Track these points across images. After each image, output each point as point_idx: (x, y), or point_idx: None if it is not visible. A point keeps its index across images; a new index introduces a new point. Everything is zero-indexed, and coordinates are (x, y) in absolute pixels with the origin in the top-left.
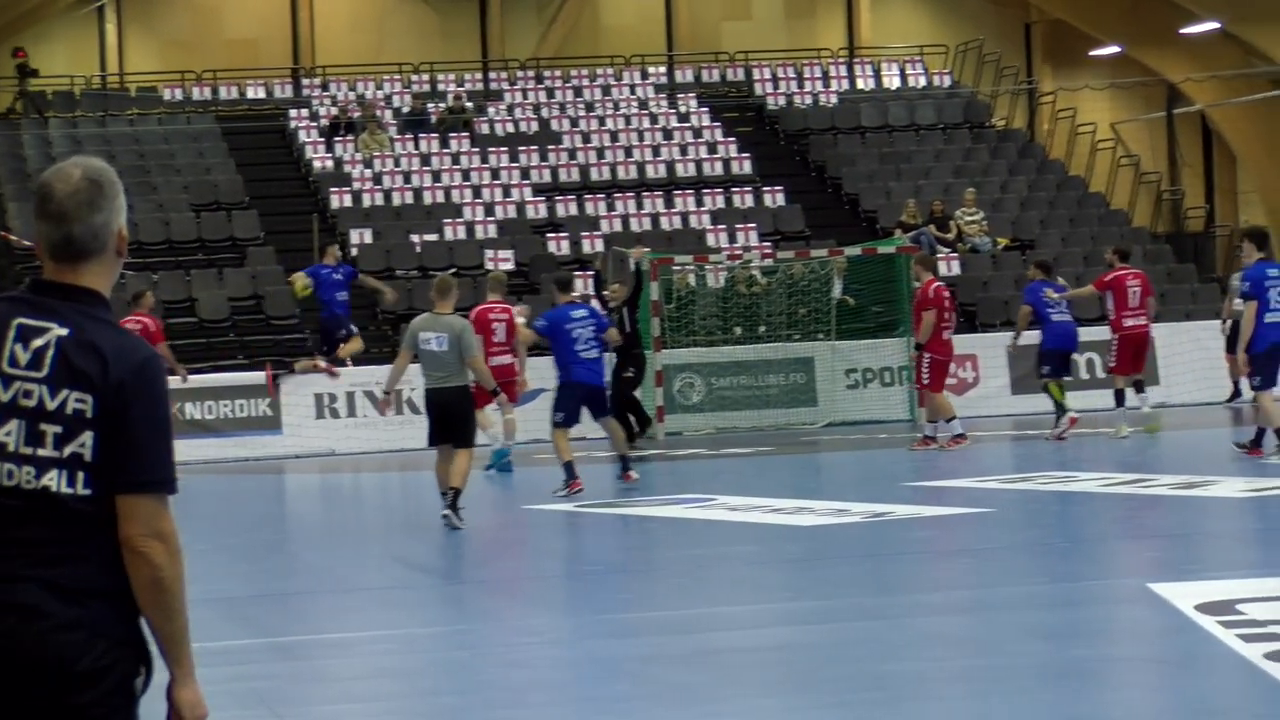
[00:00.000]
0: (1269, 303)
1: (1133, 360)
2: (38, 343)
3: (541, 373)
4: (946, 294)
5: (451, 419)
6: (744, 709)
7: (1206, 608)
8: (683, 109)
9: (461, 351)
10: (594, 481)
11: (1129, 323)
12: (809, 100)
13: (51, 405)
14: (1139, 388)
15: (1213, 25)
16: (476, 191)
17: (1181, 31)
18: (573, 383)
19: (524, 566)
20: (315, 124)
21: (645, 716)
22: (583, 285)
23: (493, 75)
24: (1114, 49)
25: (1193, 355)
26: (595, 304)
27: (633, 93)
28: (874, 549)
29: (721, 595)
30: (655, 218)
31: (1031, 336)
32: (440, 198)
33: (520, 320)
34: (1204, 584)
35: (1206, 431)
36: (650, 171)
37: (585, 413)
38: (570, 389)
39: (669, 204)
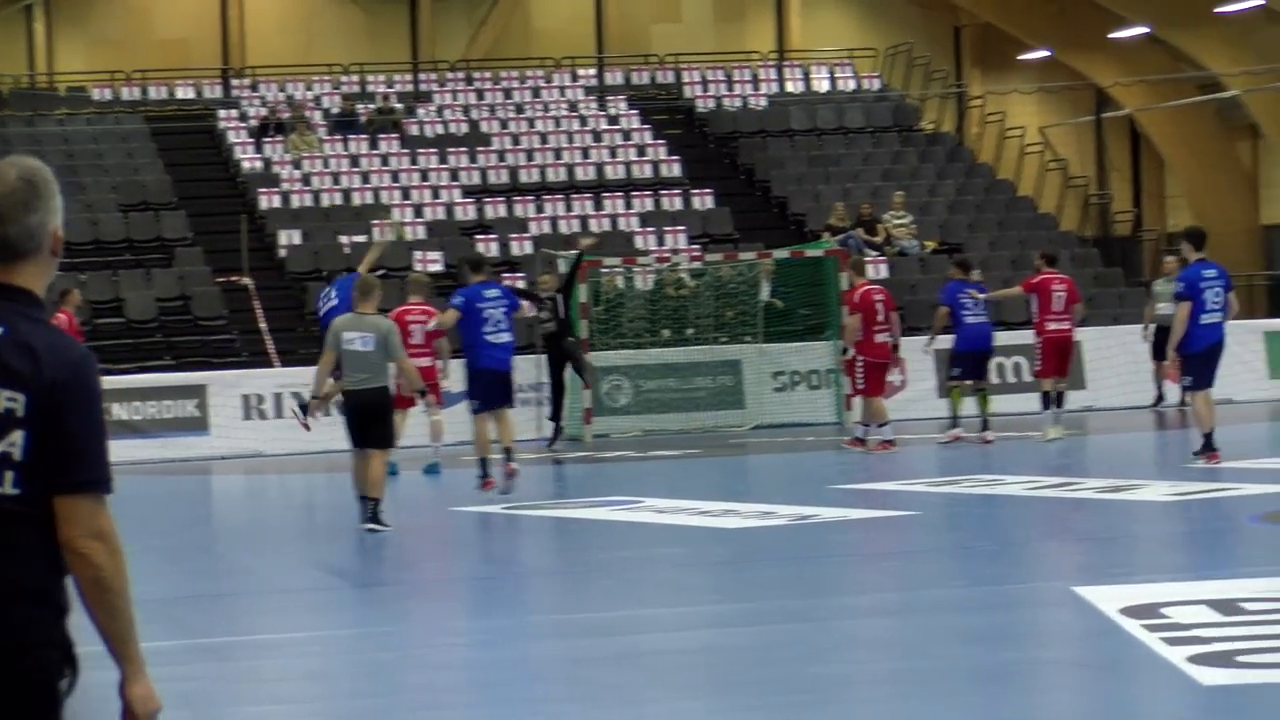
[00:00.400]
0: (1204, 304)
1: (1057, 364)
2: None
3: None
4: (879, 297)
5: (371, 420)
6: (669, 711)
7: (1131, 611)
8: (612, 111)
9: (389, 352)
10: (526, 482)
11: (1051, 326)
12: (738, 103)
13: None
14: (1059, 400)
15: (1141, 30)
16: (405, 193)
17: (1110, 36)
18: (480, 370)
19: (450, 569)
20: (244, 125)
21: (570, 718)
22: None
23: (422, 77)
24: (1043, 53)
25: (1119, 359)
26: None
27: (562, 95)
28: (800, 552)
29: (648, 597)
30: (584, 220)
31: (950, 338)
32: (369, 199)
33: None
34: (1129, 587)
35: (1132, 435)
36: (579, 174)
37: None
38: (477, 375)
39: (598, 206)
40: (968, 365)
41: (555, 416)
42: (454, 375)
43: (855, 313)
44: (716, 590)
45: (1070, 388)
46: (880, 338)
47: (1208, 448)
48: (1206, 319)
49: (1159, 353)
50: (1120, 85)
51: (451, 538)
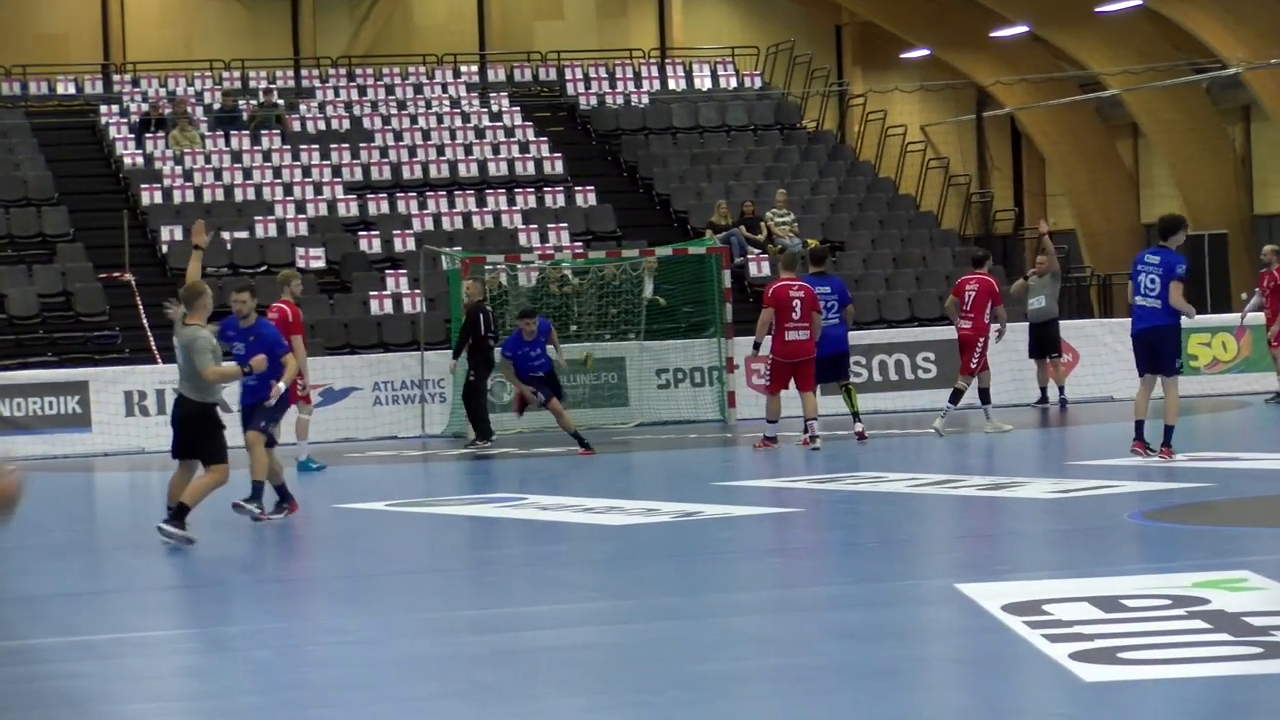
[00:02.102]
0: (1139, 287)
1: (964, 361)
2: None
3: (330, 373)
4: (798, 294)
5: (183, 432)
6: (549, 708)
7: (1013, 608)
8: (495, 108)
9: (195, 363)
10: (407, 481)
11: (962, 324)
12: (621, 100)
13: None
14: (955, 398)
15: (1021, 29)
16: (288, 189)
17: (991, 35)
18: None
19: (331, 565)
20: (126, 120)
21: (452, 715)
22: (394, 284)
23: (304, 73)
24: (923, 52)
25: (1001, 357)
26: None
27: (445, 91)
28: (683, 548)
29: (530, 594)
30: (467, 217)
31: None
32: (251, 195)
33: None
34: (1011, 584)
35: (1013, 434)
36: (462, 170)
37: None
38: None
39: (481, 203)
40: (822, 370)
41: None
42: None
43: (768, 306)
44: (599, 587)
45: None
46: (792, 335)
47: (1137, 437)
48: (1140, 301)
49: (1036, 351)
50: (1001, 84)
51: (334, 534)
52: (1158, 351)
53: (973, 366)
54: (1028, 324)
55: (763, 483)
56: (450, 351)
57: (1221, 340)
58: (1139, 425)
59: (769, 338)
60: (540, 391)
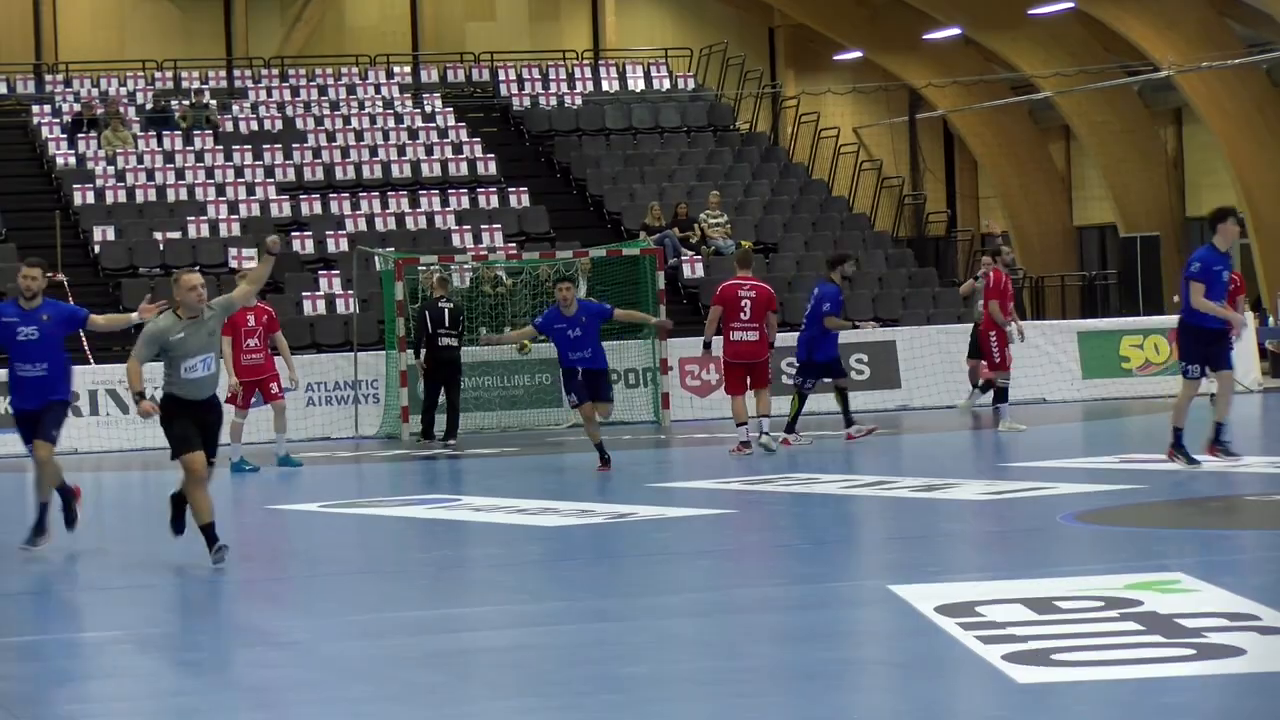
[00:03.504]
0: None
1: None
2: None
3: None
4: (748, 293)
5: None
6: (481, 710)
7: (946, 610)
8: (428, 109)
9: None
10: (340, 482)
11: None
12: (554, 102)
13: None
14: (1000, 396)
15: (953, 31)
16: (220, 189)
17: (923, 37)
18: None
19: (264, 567)
20: (58, 120)
21: (384, 718)
22: (327, 284)
23: (237, 73)
24: (856, 54)
25: (933, 359)
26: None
27: (377, 92)
28: (617, 550)
29: (463, 596)
30: (400, 217)
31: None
32: (184, 195)
33: None
34: (944, 586)
35: (946, 435)
36: (395, 171)
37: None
38: None
39: (414, 204)
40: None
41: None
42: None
43: (715, 304)
44: (532, 589)
45: (885, 386)
46: (739, 335)
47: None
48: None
49: (975, 351)
50: (933, 86)
51: (266, 536)
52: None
53: (997, 361)
54: (971, 325)
55: (696, 484)
56: (386, 351)
57: (1154, 342)
58: (1218, 427)
59: (718, 338)
60: (571, 387)
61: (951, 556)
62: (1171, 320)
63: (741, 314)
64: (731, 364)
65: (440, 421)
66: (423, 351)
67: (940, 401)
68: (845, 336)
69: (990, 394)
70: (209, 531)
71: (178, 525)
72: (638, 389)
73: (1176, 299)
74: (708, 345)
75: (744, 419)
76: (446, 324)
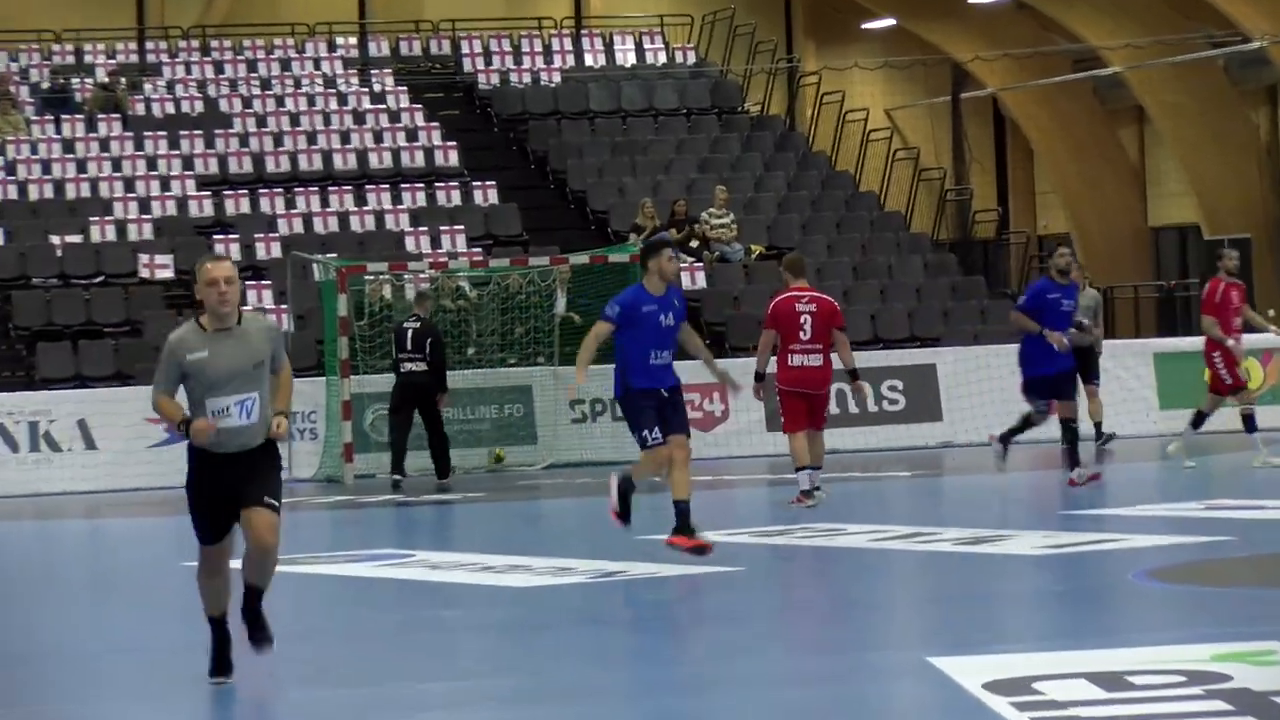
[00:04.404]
0: None
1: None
2: None
3: None
4: (807, 307)
5: None
6: None
7: (997, 686)
8: (377, 88)
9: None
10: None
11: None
12: (527, 79)
13: None
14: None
15: None
16: (129, 184)
17: (969, 1)
18: None
19: (182, 632)
20: None
21: None
22: (256, 297)
23: (150, 46)
24: (889, 22)
25: (982, 386)
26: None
27: (317, 68)
28: (602, 615)
29: (416, 668)
30: (344, 217)
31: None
32: (86, 191)
33: None
34: (994, 658)
35: (998, 476)
36: (338, 162)
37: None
38: None
39: (360, 201)
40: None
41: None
42: None
43: (768, 328)
44: (500, 660)
45: (924, 418)
46: (799, 360)
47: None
48: None
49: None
50: (981, 60)
51: (183, 597)
52: None
53: (1228, 383)
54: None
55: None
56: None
57: (1245, 365)
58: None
59: (774, 363)
60: (648, 418)
61: (1003, 622)
62: (1268, 338)
63: (801, 333)
64: (791, 393)
65: (416, 458)
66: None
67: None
68: (870, 356)
69: (1197, 424)
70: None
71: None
72: (624, 422)
73: (1273, 312)
74: (761, 376)
75: (805, 461)
76: (409, 346)
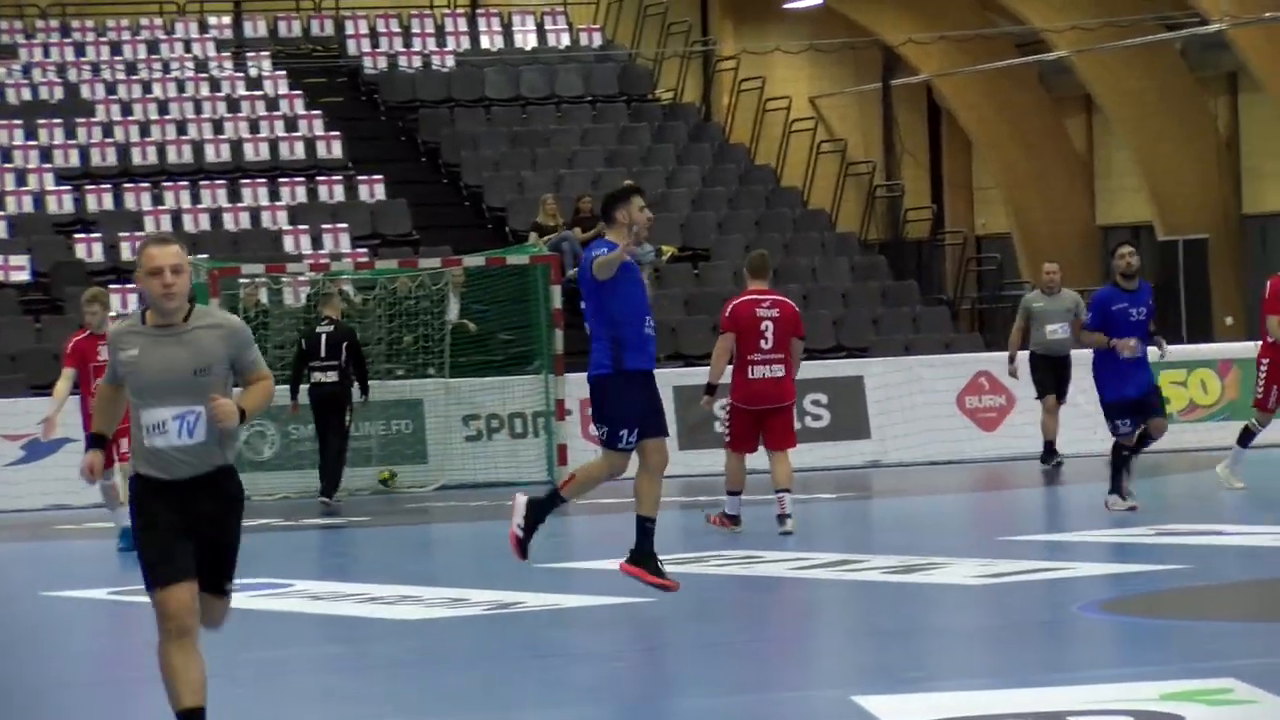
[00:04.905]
0: None
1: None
2: None
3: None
4: (769, 311)
5: None
6: None
7: None
8: (254, 73)
9: None
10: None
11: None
12: (418, 63)
13: None
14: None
15: None
16: None
17: None
18: None
19: (32, 671)
20: None
21: None
22: (120, 302)
23: (3, 26)
24: (813, 2)
25: (913, 400)
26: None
27: (188, 51)
28: (496, 650)
29: (294, 712)
30: (217, 214)
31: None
32: None
33: None
34: (926, 697)
35: (930, 499)
36: (210, 154)
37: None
38: None
39: (234, 197)
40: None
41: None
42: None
43: (726, 331)
44: (387, 701)
45: (850, 436)
46: (760, 371)
47: None
48: None
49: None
50: (915, 43)
51: (29, 631)
52: None
53: (1259, 397)
54: (1030, 353)
55: (603, 564)
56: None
57: (1200, 377)
58: None
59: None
60: (636, 410)
61: (936, 658)
62: (1223, 349)
63: (763, 341)
64: (744, 411)
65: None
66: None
67: (921, 456)
68: (800, 370)
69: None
70: None
71: None
72: (526, 439)
73: (1231, 320)
74: (712, 389)
75: (740, 486)
76: (322, 353)
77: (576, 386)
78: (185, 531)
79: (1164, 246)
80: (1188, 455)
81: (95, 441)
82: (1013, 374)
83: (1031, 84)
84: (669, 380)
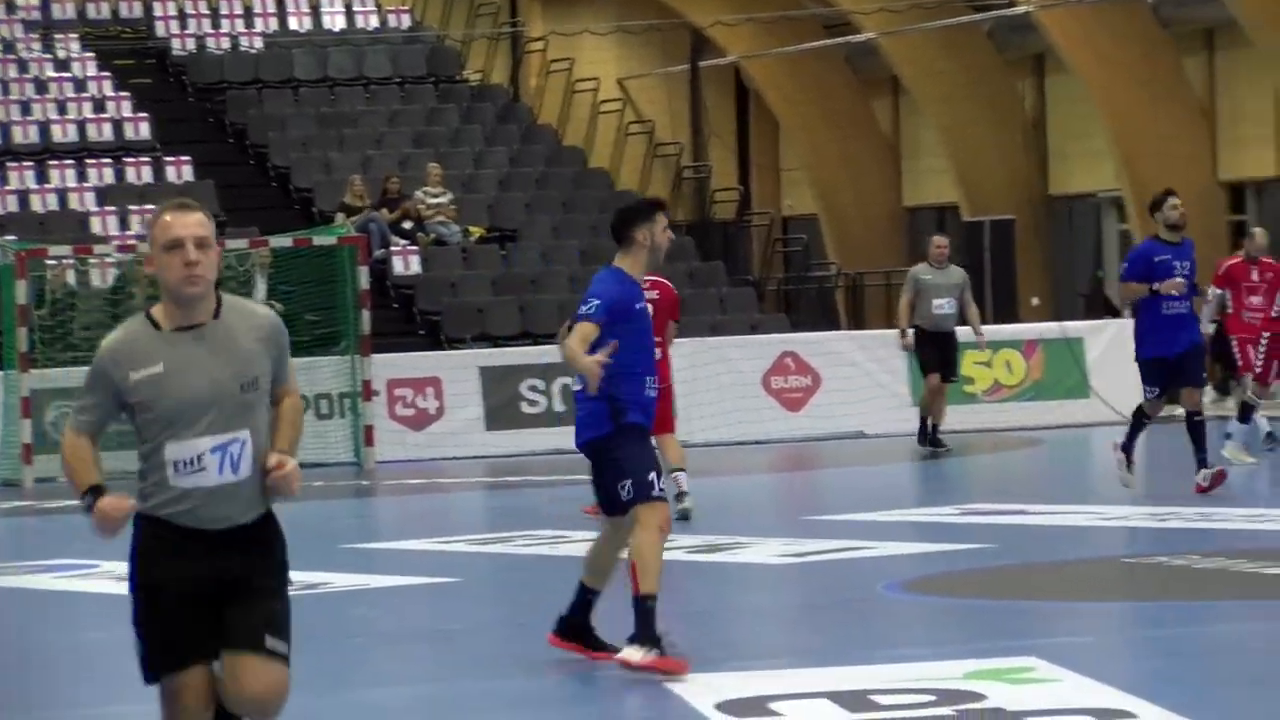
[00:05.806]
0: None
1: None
2: None
3: None
4: (647, 293)
5: None
6: None
7: (730, 706)
8: (61, 54)
9: None
10: None
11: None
12: (226, 44)
13: None
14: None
15: None
16: None
17: None
18: None
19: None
20: None
21: None
22: None
23: None
24: None
25: (721, 381)
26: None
27: None
28: (306, 630)
29: (99, 693)
30: (23, 196)
31: None
32: None
33: None
34: (729, 676)
35: (737, 479)
36: (18, 135)
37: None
38: None
39: (41, 178)
40: None
41: None
42: None
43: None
44: None
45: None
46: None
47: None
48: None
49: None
50: (723, 25)
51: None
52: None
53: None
54: (914, 330)
55: (409, 544)
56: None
57: (1005, 358)
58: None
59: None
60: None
61: (739, 637)
62: (1028, 330)
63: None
64: (664, 390)
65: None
66: None
67: (727, 436)
68: None
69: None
70: None
71: None
72: (332, 420)
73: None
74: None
75: (681, 463)
76: None
77: (383, 367)
78: (204, 598)
79: (970, 227)
80: (992, 435)
81: (98, 491)
82: (906, 347)
83: (839, 66)
84: (474, 361)
